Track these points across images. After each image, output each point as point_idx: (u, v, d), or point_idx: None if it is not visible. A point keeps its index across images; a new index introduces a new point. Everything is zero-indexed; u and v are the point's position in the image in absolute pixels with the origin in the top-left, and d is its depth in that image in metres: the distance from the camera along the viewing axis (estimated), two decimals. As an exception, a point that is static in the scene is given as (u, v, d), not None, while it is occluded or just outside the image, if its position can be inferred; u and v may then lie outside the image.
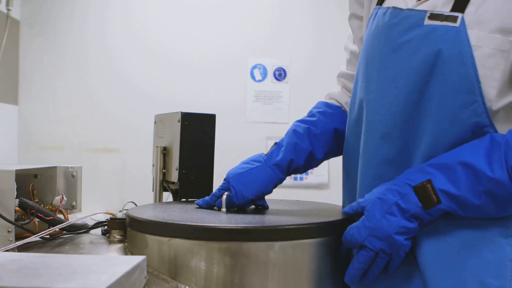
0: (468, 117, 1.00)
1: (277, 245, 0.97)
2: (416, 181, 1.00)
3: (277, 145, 1.28)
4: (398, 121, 1.06)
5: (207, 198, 1.27)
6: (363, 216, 1.03)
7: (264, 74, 3.78)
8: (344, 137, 1.26)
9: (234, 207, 1.22)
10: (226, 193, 1.21)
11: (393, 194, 1.01)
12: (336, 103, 1.36)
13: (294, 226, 1.01)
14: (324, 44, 3.72)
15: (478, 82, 0.98)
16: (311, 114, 1.33)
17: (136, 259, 0.83)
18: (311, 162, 1.29)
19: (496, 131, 1.00)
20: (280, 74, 3.78)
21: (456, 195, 0.98)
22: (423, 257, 1.03)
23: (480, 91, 0.98)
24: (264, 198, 1.26)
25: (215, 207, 1.25)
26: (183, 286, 0.95)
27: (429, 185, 0.99)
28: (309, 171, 3.89)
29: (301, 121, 1.31)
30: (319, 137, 1.28)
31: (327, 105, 1.35)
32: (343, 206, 1.23)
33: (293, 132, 1.28)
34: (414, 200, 1.00)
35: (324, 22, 3.76)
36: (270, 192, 1.25)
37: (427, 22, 1.03)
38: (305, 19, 3.77)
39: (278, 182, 1.25)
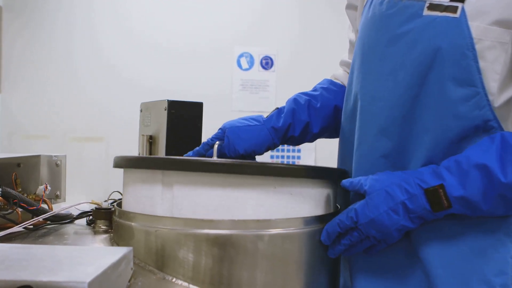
0: (471, 111, 0.98)
1: (267, 235, 0.96)
2: (429, 184, 0.97)
3: (278, 110, 1.28)
4: (397, 115, 1.04)
5: (197, 148, 1.26)
6: (364, 201, 1.01)
7: (251, 63, 3.76)
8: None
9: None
10: (218, 142, 1.21)
11: (402, 192, 0.98)
12: (341, 83, 1.36)
13: (290, 166, 1.01)
14: (311, 33, 3.71)
15: (480, 73, 0.96)
16: (314, 89, 1.34)
17: (123, 250, 0.82)
18: (306, 134, 1.29)
19: (500, 125, 0.99)
20: (267, 63, 3.76)
21: (469, 200, 0.95)
22: (428, 255, 1.02)
23: (481, 83, 0.97)
24: (255, 157, 1.26)
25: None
26: (170, 278, 0.94)
27: (441, 190, 0.96)
28: (296, 160, 3.90)
29: (303, 93, 1.32)
30: (318, 111, 1.28)
31: (331, 82, 1.36)
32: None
33: (294, 100, 1.29)
34: (423, 202, 0.97)
35: (311, 11, 3.74)
36: (262, 153, 1.25)
37: (426, 12, 1.00)
38: (292, 7, 3.76)
39: (272, 145, 1.25)
